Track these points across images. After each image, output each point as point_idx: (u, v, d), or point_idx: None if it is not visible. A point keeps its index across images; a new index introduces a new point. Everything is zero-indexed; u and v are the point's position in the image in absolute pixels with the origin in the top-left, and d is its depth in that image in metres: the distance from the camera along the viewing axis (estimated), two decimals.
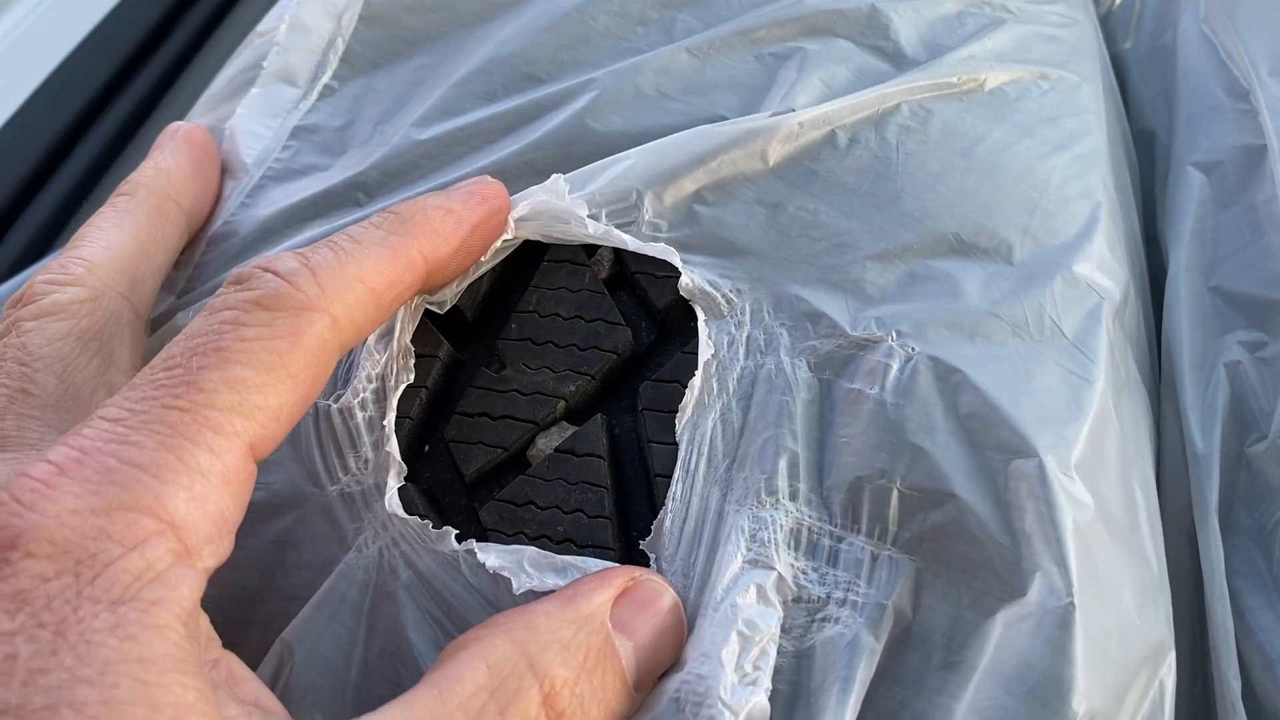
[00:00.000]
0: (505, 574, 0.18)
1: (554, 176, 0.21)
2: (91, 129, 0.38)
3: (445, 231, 0.19)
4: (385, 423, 0.19)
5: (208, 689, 0.13)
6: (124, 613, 0.13)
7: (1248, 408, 0.22)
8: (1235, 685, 0.19)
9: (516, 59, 0.24)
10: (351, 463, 0.19)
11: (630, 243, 0.20)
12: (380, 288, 0.17)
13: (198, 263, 0.24)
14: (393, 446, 0.19)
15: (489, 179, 0.20)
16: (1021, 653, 0.16)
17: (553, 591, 0.17)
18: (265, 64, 0.26)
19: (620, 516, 0.19)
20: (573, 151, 0.22)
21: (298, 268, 0.16)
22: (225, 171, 0.24)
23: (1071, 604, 0.16)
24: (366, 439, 0.19)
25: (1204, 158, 0.26)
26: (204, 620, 0.15)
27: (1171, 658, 0.18)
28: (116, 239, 0.21)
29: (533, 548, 0.18)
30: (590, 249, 0.21)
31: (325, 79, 0.25)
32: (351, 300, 0.17)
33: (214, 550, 0.14)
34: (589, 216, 0.20)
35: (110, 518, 0.13)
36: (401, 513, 0.18)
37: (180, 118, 0.36)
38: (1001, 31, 0.25)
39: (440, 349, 0.20)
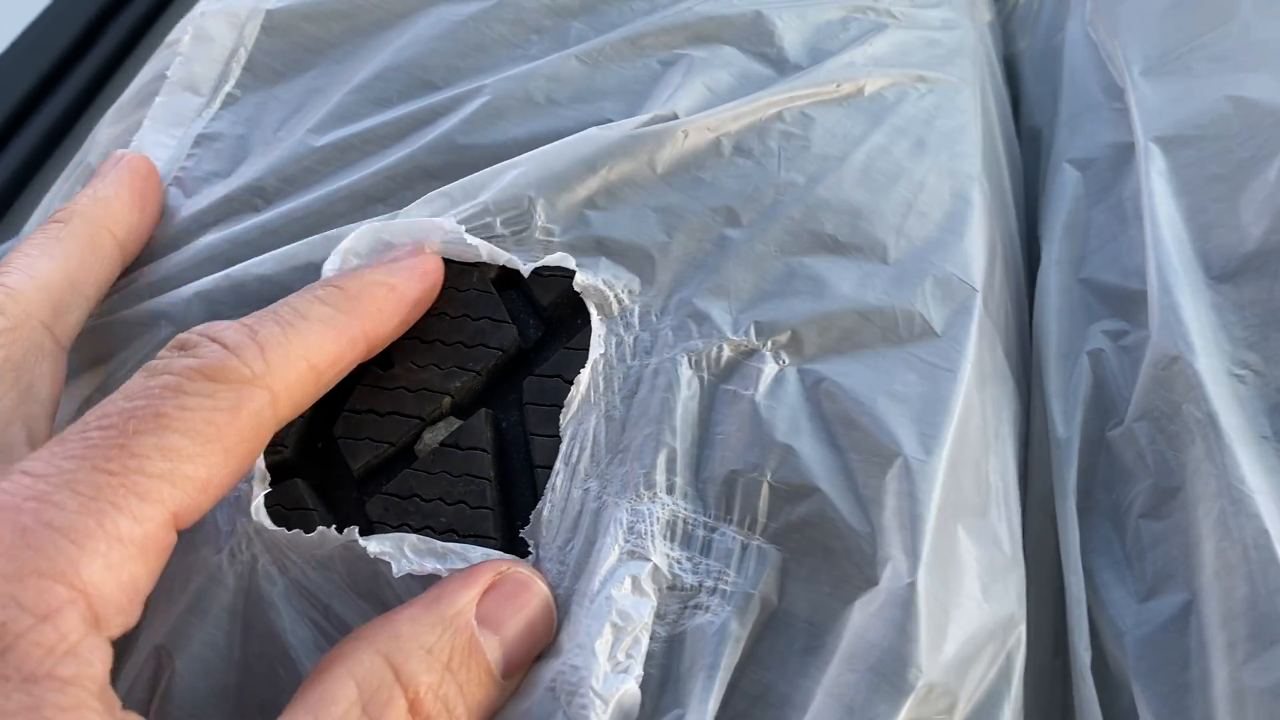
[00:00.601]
0: (386, 559, 0.18)
1: (447, 216, 0.21)
2: (22, 129, 0.38)
3: (388, 310, 0.19)
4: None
5: None
6: (39, 694, 0.12)
7: (1108, 394, 0.23)
8: (1085, 656, 0.20)
9: (412, 66, 0.25)
10: None
11: (523, 265, 0.21)
12: (323, 365, 0.18)
13: None
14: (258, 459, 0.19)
15: (429, 253, 0.20)
16: (868, 634, 0.17)
17: (431, 577, 0.18)
18: (169, 74, 0.26)
19: (504, 507, 0.20)
20: (464, 157, 0.23)
21: (245, 342, 0.16)
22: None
23: (912, 585, 0.17)
24: None
25: (1080, 155, 0.27)
26: (109, 691, 0.14)
27: (1020, 632, 0.19)
28: (43, 267, 0.20)
29: (414, 535, 0.19)
30: None
31: (228, 88, 0.26)
32: (294, 378, 0.17)
33: (122, 621, 0.14)
34: (480, 234, 0.21)
35: (22, 584, 0.13)
36: (268, 524, 0.19)
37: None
38: (882, 37, 0.26)
39: None
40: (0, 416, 0.18)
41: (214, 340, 0.16)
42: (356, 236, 0.20)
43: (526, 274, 0.21)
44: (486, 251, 0.21)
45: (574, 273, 0.21)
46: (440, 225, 0.21)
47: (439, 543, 0.19)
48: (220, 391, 0.16)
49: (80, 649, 0.13)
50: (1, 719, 0.12)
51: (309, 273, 0.21)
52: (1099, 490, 0.22)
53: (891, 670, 0.17)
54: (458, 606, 0.17)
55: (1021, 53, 0.34)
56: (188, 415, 0.15)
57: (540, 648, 0.18)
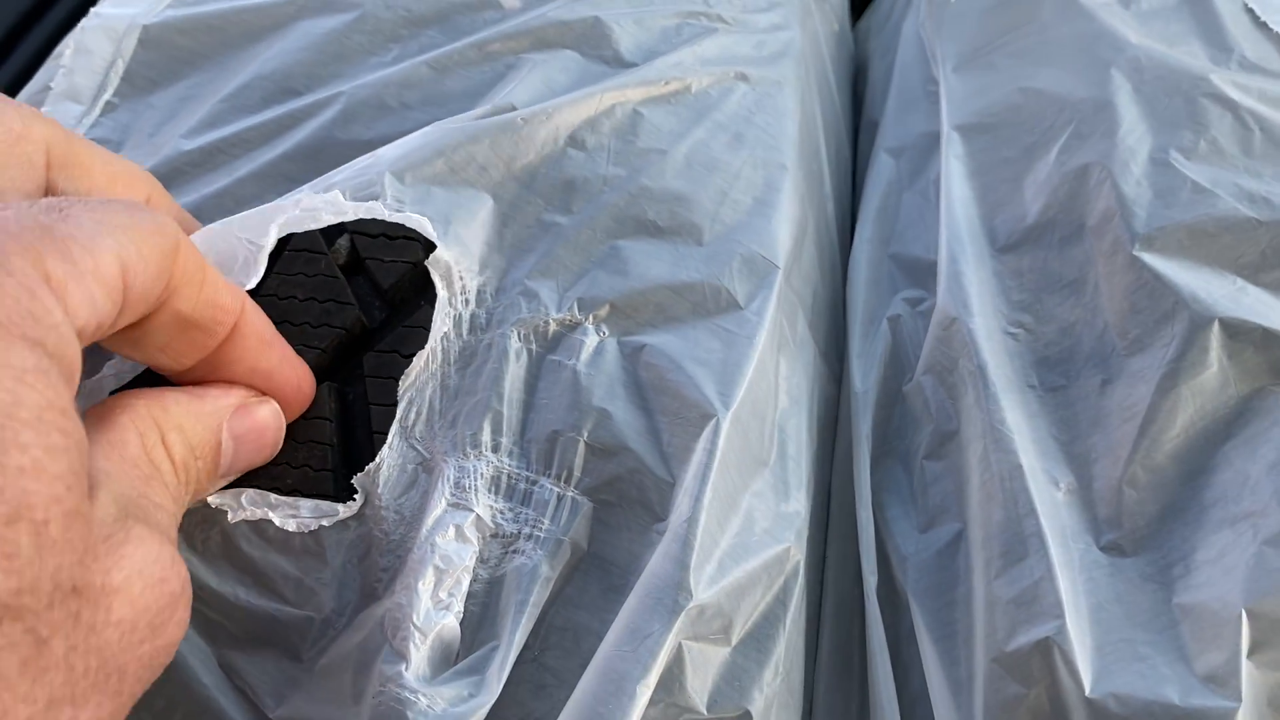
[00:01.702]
0: (224, 508, 0.21)
1: (296, 193, 0.23)
2: None
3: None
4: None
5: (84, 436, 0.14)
6: (43, 357, 0.13)
7: (904, 354, 0.26)
8: (872, 580, 0.23)
9: (277, 75, 0.27)
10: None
11: (381, 212, 0.23)
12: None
13: None
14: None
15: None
16: (654, 567, 0.20)
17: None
18: (53, 84, 0.28)
19: (345, 470, 0.22)
20: (322, 158, 0.25)
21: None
22: None
23: (690, 521, 0.20)
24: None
25: (895, 144, 0.30)
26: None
27: (796, 563, 0.21)
28: None
29: (251, 488, 0.21)
30: (330, 240, 0.24)
31: (107, 96, 0.28)
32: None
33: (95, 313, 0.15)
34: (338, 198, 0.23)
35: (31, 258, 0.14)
36: None
37: None
38: (712, 39, 0.28)
39: None
40: None
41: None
42: (205, 236, 0.22)
43: (386, 218, 0.23)
44: (348, 207, 0.23)
45: (414, 262, 0.23)
46: (283, 206, 0.23)
47: (274, 495, 0.21)
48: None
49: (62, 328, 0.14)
50: (21, 373, 0.13)
51: None
52: (894, 437, 0.25)
53: (666, 594, 0.19)
54: (216, 406, 0.19)
55: (872, 51, 0.37)
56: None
57: (265, 456, 0.21)
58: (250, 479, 0.22)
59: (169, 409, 0.18)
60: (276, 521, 0.21)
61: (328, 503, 0.21)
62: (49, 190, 0.20)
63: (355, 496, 0.21)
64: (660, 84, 0.27)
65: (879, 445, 0.25)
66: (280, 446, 0.21)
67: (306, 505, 0.21)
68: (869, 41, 0.38)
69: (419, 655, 0.19)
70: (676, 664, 0.19)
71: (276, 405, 0.21)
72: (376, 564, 0.21)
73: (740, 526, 0.21)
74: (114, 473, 0.16)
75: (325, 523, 0.21)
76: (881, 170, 0.29)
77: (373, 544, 0.21)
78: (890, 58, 0.35)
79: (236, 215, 0.22)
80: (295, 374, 0.21)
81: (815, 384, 0.25)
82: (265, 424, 0.20)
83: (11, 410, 0.13)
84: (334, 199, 0.23)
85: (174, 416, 0.18)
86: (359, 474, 0.22)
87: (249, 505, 0.21)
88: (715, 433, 0.21)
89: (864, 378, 0.25)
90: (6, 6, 0.44)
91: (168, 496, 0.17)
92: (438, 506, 0.21)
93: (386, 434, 0.22)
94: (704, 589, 0.19)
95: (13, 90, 0.42)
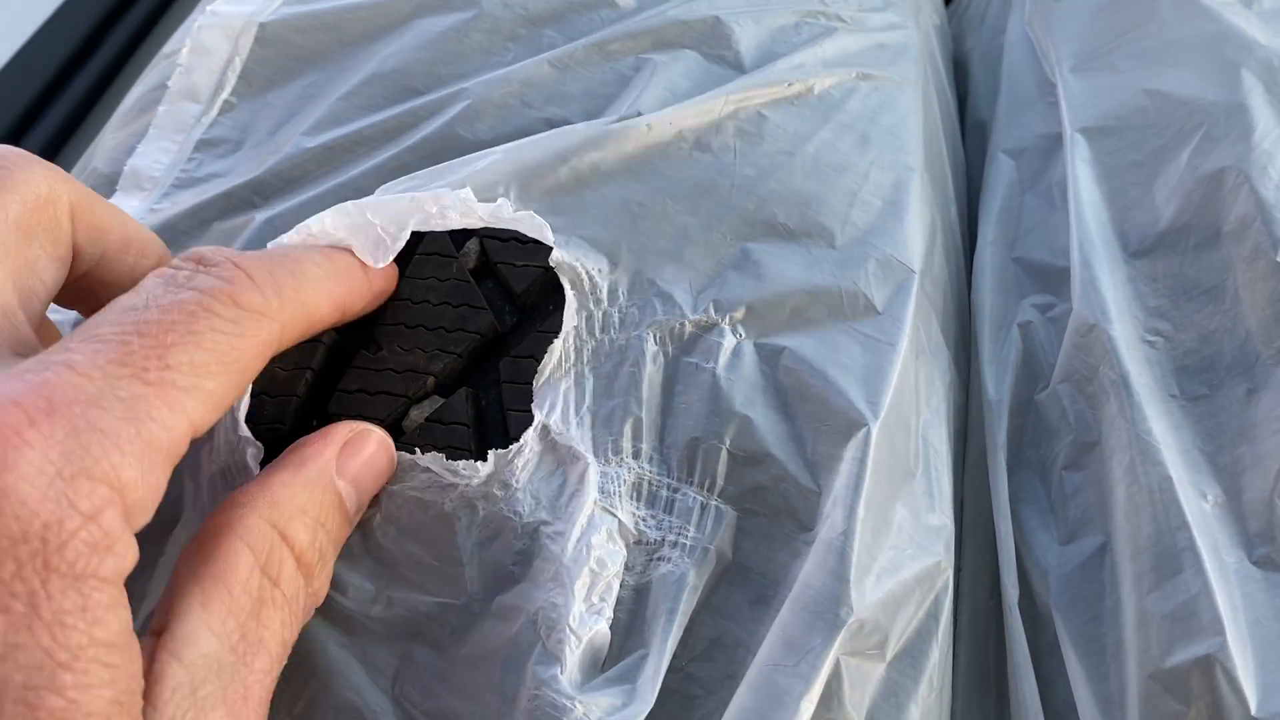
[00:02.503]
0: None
1: (432, 188, 0.23)
2: (28, 133, 0.40)
3: (359, 290, 0.21)
4: (240, 405, 0.21)
5: (138, 652, 0.15)
6: (88, 593, 0.13)
7: (1036, 360, 0.25)
8: (1013, 593, 0.23)
9: (397, 74, 0.27)
10: (221, 441, 0.22)
11: (511, 217, 0.23)
12: (313, 316, 0.20)
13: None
14: (244, 429, 0.21)
15: (391, 265, 0.22)
16: (808, 580, 0.20)
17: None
18: (170, 83, 0.28)
19: None
20: (443, 156, 0.25)
21: (266, 278, 0.18)
22: (135, 187, 0.27)
23: (846, 534, 0.20)
24: (237, 417, 0.22)
25: (1014, 145, 0.30)
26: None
27: (947, 578, 0.21)
28: None
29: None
30: (459, 243, 0.24)
31: (225, 95, 0.28)
32: (294, 319, 0.19)
33: (144, 520, 0.15)
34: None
35: (74, 484, 0.14)
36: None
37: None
38: (831, 40, 0.28)
39: (324, 335, 0.23)
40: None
41: (239, 267, 0.18)
42: (339, 211, 0.22)
43: (517, 226, 0.23)
44: (478, 209, 0.23)
45: (545, 266, 0.23)
46: (421, 201, 0.22)
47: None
48: (244, 318, 0.17)
49: (118, 545, 0.14)
50: (62, 616, 0.13)
51: None
52: (1028, 447, 0.25)
53: (826, 609, 0.19)
54: (320, 466, 0.19)
55: (970, 50, 0.36)
56: (217, 337, 0.16)
57: (388, 476, 0.21)
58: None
59: (279, 500, 0.18)
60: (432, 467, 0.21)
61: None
62: (75, 253, 0.20)
63: (480, 463, 0.21)
64: (783, 85, 0.26)
65: (1012, 454, 0.24)
66: (396, 462, 0.21)
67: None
68: (966, 38, 0.37)
69: (573, 659, 0.19)
70: (835, 679, 0.19)
71: (374, 429, 0.21)
72: (510, 546, 0.21)
73: (893, 540, 0.21)
74: (200, 641, 0.16)
75: (464, 473, 0.21)
76: (1001, 171, 0.29)
77: (504, 526, 0.21)
78: (994, 56, 0.34)
79: (371, 198, 0.22)
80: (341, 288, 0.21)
81: (950, 391, 0.25)
82: (371, 454, 0.21)
83: (51, 651, 0.13)
84: (466, 198, 0.22)
85: (287, 504, 0.18)
86: (495, 451, 0.21)
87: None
88: (865, 442, 0.21)
89: (997, 385, 0.25)
90: (83, 11, 0.44)
91: (280, 611, 0.18)
92: (587, 507, 0.21)
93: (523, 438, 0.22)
94: (864, 604, 0.19)
95: (102, 89, 0.42)
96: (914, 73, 0.29)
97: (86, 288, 0.21)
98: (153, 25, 0.45)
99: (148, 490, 0.15)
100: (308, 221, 0.21)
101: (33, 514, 0.13)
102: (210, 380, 0.16)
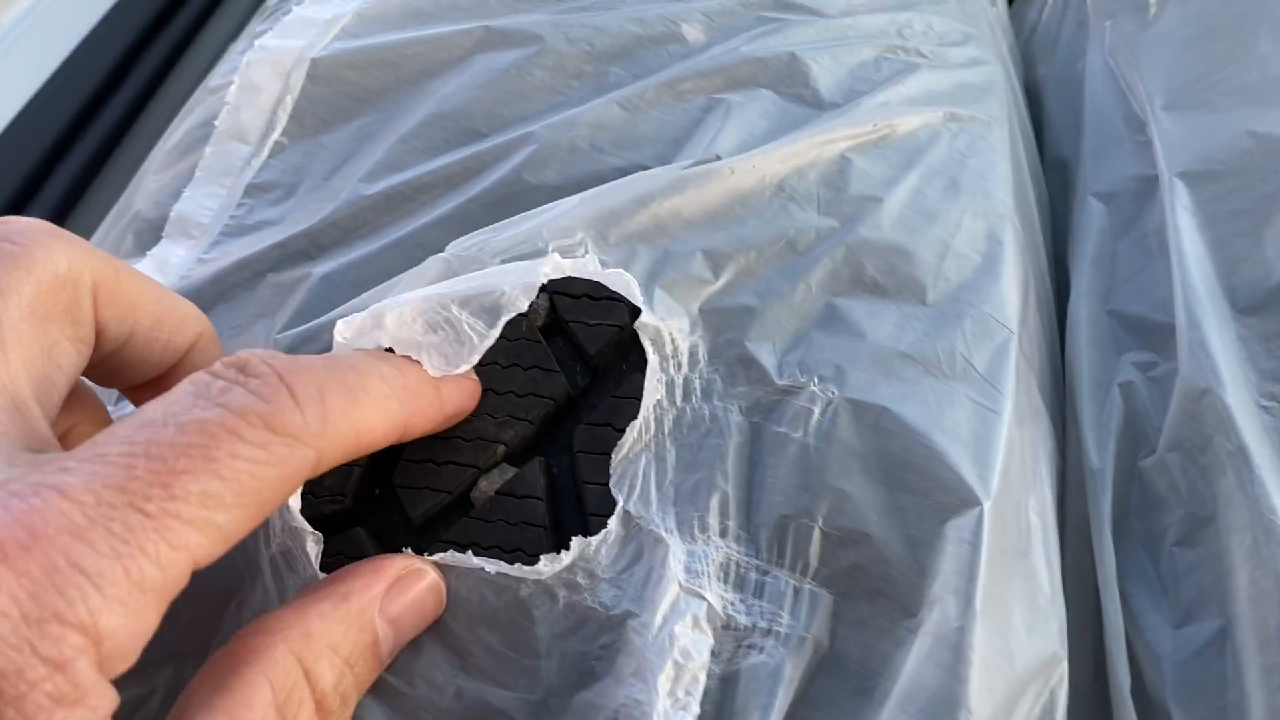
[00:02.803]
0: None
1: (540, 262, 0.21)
2: (60, 164, 0.39)
3: (430, 413, 0.20)
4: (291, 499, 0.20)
5: None
6: None
7: (1140, 425, 0.24)
8: (1125, 681, 0.21)
9: (458, 114, 0.25)
10: (277, 525, 0.20)
11: (591, 270, 0.22)
12: (365, 441, 0.18)
13: None
14: (298, 520, 0.20)
15: (473, 377, 0.21)
16: (919, 676, 0.18)
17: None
18: (217, 123, 0.27)
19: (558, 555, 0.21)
20: (510, 204, 0.24)
21: (312, 400, 0.16)
22: (182, 234, 0.25)
23: (961, 629, 0.18)
24: (290, 503, 0.20)
25: (1104, 188, 0.28)
26: None
27: (1062, 669, 0.20)
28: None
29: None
30: None
31: (275, 136, 0.26)
32: (339, 444, 0.17)
33: (125, 665, 0.14)
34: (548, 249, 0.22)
35: (41, 630, 0.12)
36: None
37: (159, 133, 0.36)
38: (914, 77, 0.26)
39: None
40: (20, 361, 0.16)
41: (283, 381, 0.16)
42: (418, 304, 0.20)
43: (594, 277, 0.22)
44: (564, 265, 0.21)
45: (620, 325, 0.22)
46: (507, 273, 0.21)
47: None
48: (274, 445, 0.15)
49: (89, 698, 0.13)
50: None
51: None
52: (1133, 518, 0.23)
53: (943, 712, 0.17)
54: (364, 603, 0.18)
55: (1042, 79, 0.34)
56: (237, 465, 0.15)
57: (430, 621, 0.19)
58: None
59: (313, 633, 0.17)
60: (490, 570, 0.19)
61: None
62: (99, 332, 0.19)
63: (562, 551, 0.20)
64: (867, 127, 0.25)
65: (1116, 525, 0.23)
66: (444, 602, 0.20)
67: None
68: (1036, 66, 0.35)
69: None
70: None
71: (429, 570, 0.19)
72: (594, 640, 0.20)
73: (1008, 628, 0.19)
74: None
75: (543, 570, 0.20)
76: (1091, 216, 0.27)
77: (587, 618, 0.20)
78: (1071, 87, 0.33)
79: (449, 284, 0.21)
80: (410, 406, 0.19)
81: (1051, 457, 0.23)
82: (419, 596, 0.19)
83: None
84: (554, 260, 0.21)
85: (320, 638, 0.17)
86: (576, 538, 0.20)
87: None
88: (978, 522, 0.19)
89: (1100, 452, 0.23)
90: (130, 19, 0.43)
91: None
92: (671, 591, 0.19)
93: (600, 515, 0.21)
94: (983, 704, 0.18)
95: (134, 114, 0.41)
96: (1000, 111, 0.27)
97: (116, 366, 0.20)
98: (183, 50, 0.44)
99: (130, 636, 0.14)
100: (382, 307, 0.20)
101: None
102: (222, 514, 0.14)
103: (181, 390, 0.16)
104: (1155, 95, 0.29)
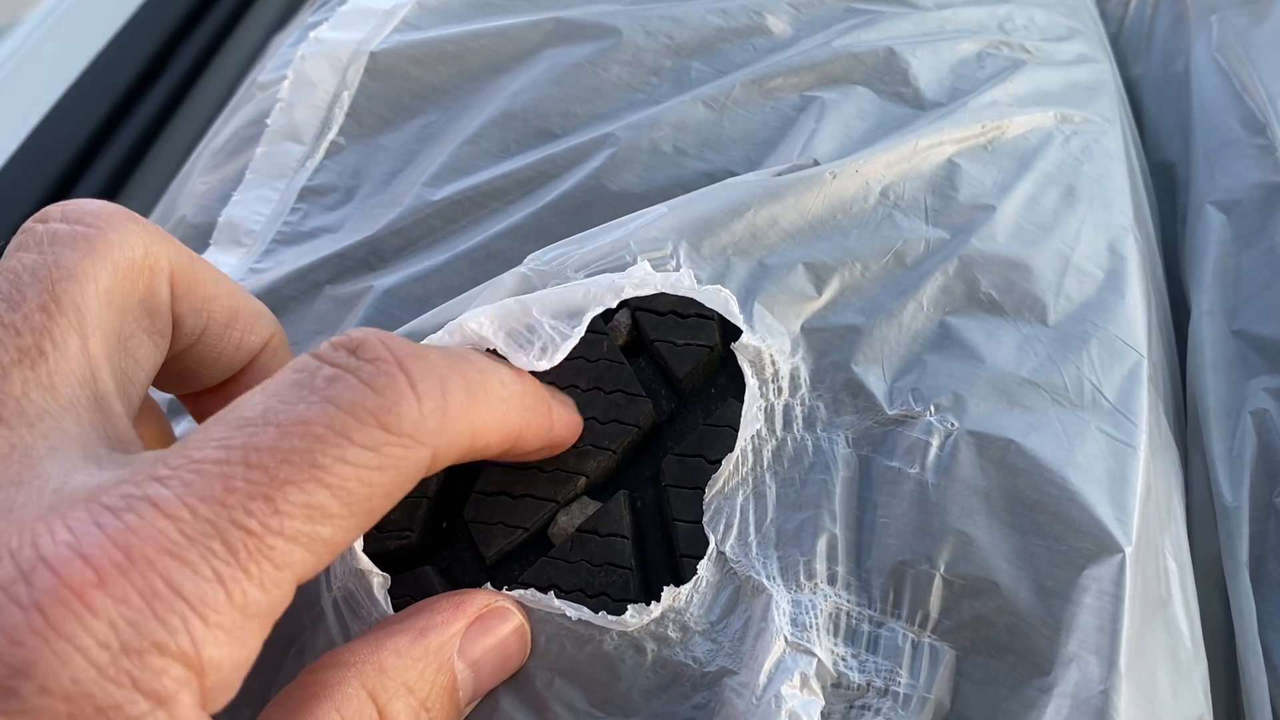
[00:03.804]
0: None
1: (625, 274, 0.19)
2: (102, 152, 0.38)
3: (539, 431, 0.18)
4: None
5: None
6: None
7: (1276, 457, 0.22)
8: None
9: (529, 113, 0.24)
10: (338, 566, 0.19)
11: (697, 289, 0.20)
12: (478, 445, 0.16)
13: None
14: (363, 561, 0.18)
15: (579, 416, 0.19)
16: None
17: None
18: (270, 121, 0.25)
19: (646, 600, 0.19)
20: (589, 213, 0.22)
21: (433, 392, 0.14)
22: (232, 241, 0.24)
23: (1105, 693, 0.16)
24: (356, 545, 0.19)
25: (1223, 196, 0.26)
26: None
27: None
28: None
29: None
30: (607, 315, 0.21)
31: (331, 135, 0.25)
32: (455, 445, 0.15)
33: (227, 696, 0.13)
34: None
35: (142, 660, 0.11)
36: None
37: (196, 129, 0.35)
38: (1021, 74, 0.24)
39: None
40: (99, 353, 0.15)
41: (400, 368, 0.14)
42: (498, 311, 0.19)
43: (702, 300, 0.20)
44: (655, 280, 0.19)
45: (710, 345, 0.20)
46: (598, 285, 0.19)
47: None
48: (387, 445, 0.14)
49: None
50: None
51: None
52: (1271, 560, 0.21)
53: None
54: (443, 640, 0.16)
55: (1139, 79, 0.32)
56: (345, 471, 0.13)
57: (514, 667, 0.18)
58: None
59: (388, 669, 0.15)
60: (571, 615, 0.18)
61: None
62: (174, 327, 0.17)
63: (653, 603, 0.18)
64: (975, 128, 0.23)
65: (1253, 567, 0.21)
66: (529, 648, 0.18)
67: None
68: (1130, 64, 0.33)
69: None
70: None
71: (515, 611, 0.18)
72: (686, 700, 0.18)
73: (1153, 690, 0.17)
74: None
75: (630, 621, 0.18)
76: (1210, 227, 0.25)
77: (679, 674, 0.18)
78: (1173, 86, 0.30)
79: (537, 294, 0.19)
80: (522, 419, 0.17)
81: (1181, 495, 0.21)
82: (504, 639, 0.17)
83: None
84: (645, 272, 0.19)
85: (395, 675, 0.15)
86: (667, 588, 0.18)
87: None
88: (1119, 571, 0.17)
89: (1234, 488, 0.21)
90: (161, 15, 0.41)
91: None
92: (775, 647, 0.18)
93: (691, 557, 0.19)
94: None
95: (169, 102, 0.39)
96: (1112, 112, 0.25)
97: (184, 368, 0.18)
98: (220, 43, 0.42)
99: (234, 666, 0.12)
100: (464, 318, 0.18)
101: (86, 695, 0.11)
102: (328, 526, 0.13)
103: (283, 379, 0.14)
104: (1277, 95, 0.26)
